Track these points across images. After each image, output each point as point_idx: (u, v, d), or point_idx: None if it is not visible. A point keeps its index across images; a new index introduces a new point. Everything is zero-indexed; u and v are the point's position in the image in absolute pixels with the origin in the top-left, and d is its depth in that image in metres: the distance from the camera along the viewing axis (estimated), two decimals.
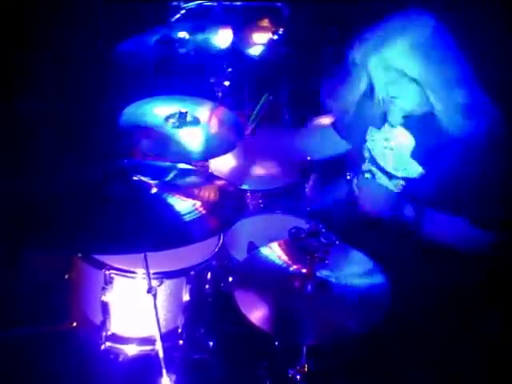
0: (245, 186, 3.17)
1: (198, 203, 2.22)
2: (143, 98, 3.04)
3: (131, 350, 2.58)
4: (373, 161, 2.75)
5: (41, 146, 3.65)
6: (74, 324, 2.74)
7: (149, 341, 2.53)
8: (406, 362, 2.56)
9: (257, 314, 2.17)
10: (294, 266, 2.33)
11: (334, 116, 3.01)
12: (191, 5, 3.30)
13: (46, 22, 3.75)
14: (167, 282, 2.52)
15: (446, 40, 2.46)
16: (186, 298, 2.56)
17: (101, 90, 3.82)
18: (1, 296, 3.05)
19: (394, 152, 2.66)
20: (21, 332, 2.91)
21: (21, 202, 2.15)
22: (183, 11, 3.21)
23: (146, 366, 2.50)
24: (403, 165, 2.62)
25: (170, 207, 2.18)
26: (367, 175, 2.78)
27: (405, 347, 2.55)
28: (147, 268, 2.25)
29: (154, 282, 2.33)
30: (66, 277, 2.72)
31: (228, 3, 3.66)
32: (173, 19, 3.17)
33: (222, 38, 3.23)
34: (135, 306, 2.53)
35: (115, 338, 2.57)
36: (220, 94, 3.15)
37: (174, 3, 3.27)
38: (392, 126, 2.64)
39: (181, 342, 2.61)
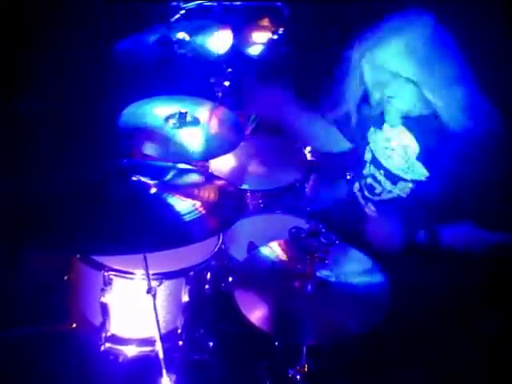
0: (245, 186, 3.17)
1: (198, 203, 2.22)
2: (143, 98, 3.04)
3: (131, 350, 2.58)
4: (376, 163, 2.75)
5: (41, 146, 3.64)
6: (74, 325, 2.74)
7: (148, 342, 2.53)
8: (405, 361, 2.56)
9: (257, 314, 2.17)
10: (294, 266, 2.33)
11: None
12: (191, 5, 3.29)
13: (45, 22, 3.74)
14: (167, 283, 2.51)
15: (446, 39, 2.46)
16: (186, 298, 2.56)
17: (101, 89, 3.81)
18: (1, 296, 3.04)
19: (396, 152, 2.66)
20: (21, 332, 2.91)
21: (21, 202, 2.15)
22: (183, 11, 3.21)
23: (146, 366, 2.50)
24: (410, 167, 2.62)
25: (169, 207, 2.18)
26: (369, 180, 2.78)
27: (405, 347, 2.55)
28: (146, 269, 2.25)
29: (154, 283, 2.32)
30: (66, 278, 2.72)
31: (228, 3, 3.66)
32: (172, 19, 3.17)
33: (221, 41, 3.22)
34: (135, 306, 2.53)
35: (115, 339, 2.57)
36: (220, 94, 3.14)
37: (174, 3, 3.26)
38: (392, 126, 2.64)
39: (180, 342, 2.61)
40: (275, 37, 3.42)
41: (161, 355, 2.28)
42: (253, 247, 2.64)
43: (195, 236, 2.15)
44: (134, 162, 2.63)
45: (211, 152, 2.90)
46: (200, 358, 2.71)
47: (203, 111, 3.01)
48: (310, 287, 2.23)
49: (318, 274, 2.25)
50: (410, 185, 2.64)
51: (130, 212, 2.12)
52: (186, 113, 2.90)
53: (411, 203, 2.64)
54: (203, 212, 2.19)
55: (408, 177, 2.64)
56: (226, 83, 3.16)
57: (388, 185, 2.70)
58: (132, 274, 2.48)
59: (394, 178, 2.68)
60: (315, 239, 2.22)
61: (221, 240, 2.70)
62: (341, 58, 2.61)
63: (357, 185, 2.86)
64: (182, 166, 2.55)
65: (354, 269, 2.35)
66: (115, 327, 2.56)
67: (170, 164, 2.54)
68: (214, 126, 2.96)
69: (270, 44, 3.48)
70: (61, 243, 2.03)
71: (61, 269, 2.74)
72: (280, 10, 3.61)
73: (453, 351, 2.57)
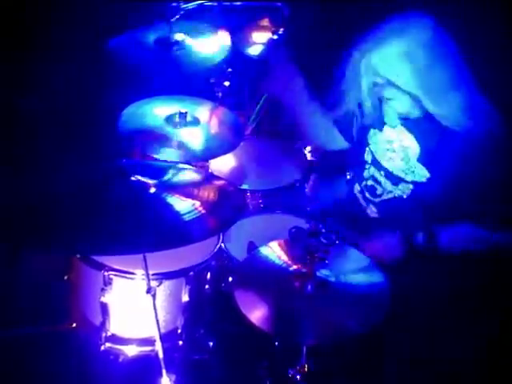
0: (245, 186, 3.17)
1: (198, 203, 2.22)
2: (143, 98, 3.04)
3: (131, 350, 2.58)
4: (377, 164, 2.74)
5: (41, 146, 3.64)
6: (74, 325, 2.74)
7: (148, 341, 2.53)
8: (405, 361, 2.56)
9: (257, 314, 2.17)
10: (294, 266, 2.33)
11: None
12: (191, 5, 3.29)
13: (45, 22, 3.74)
14: (166, 283, 2.51)
15: (446, 41, 2.45)
16: (186, 298, 2.56)
17: (101, 89, 3.81)
18: (1, 296, 3.04)
19: (397, 154, 2.66)
20: (21, 332, 2.91)
21: (21, 202, 2.15)
22: (182, 12, 3.20)
23: (146, 366, 2.50)
24: (411, 168, 2.62)
25: (169, 207, 2.18)
26: (370, 182, 2.78)
27: (405, 347, 2.55)
28: (146, 269, 2.25)
29: (153, 283, 2.32)
30: (66, 278, 2.72)
31: (228, 3, 3.65)
32: (172, 19, 3.16)
33: (218, 46, 3.22)
34: (135, 306, 2.53)
35: (115, 339, 2.57)
36: (220, 94, 3.14)
37: (174, 3, 3.26)
38: (392, 126, 2.64)
39: (180, 342, 2.61)
40: (275, 37, 3.42)
41: (161, 355, 2.28)
42: (253, 247, 2.64)
43: (195, 236, 2.15)
44: (133, 162, 2.63)
45: (211, 152, 2.90)
46: (200, 357, 2.71)
47: (203, 111, 3.01)
48: (310, 287, 2.23)
49: (318, 273, 2.26)
50: (411, 186, 2.64)
51: (129, 212, 2.12)
52: (186, 113, 2.90)
53: (411, 204, 2.64)
54: (203, 212, 2.19)
55: (408, 178, 2.64)
56: (226, 83, 3.16)
57: (389, 185, 2.70)
58: (132, 273, 2.48)
59: (394, 179, 2.68)
60: (315, 239, 2.22)
61: (221, 240, 2.70)
62: (341, 58, 2.61)
63: (357, 186, 2.85)
64: (181, 165, 2.55)
65: (354, 269, 2.35)
66: (115, 327, 2.57)
67: (169, 164, 2.54)
68: (214, 126, 2.97)
69: (270, 44, 3.47)
70: (61, 243, 2.03)
71: (61, 269, 2.75)
72: (280, 10, 3.61)
73: (453, 351, 2.57)
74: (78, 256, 2.57)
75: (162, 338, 2.29)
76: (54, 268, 2.84)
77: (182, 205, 2.19)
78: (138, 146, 2.90)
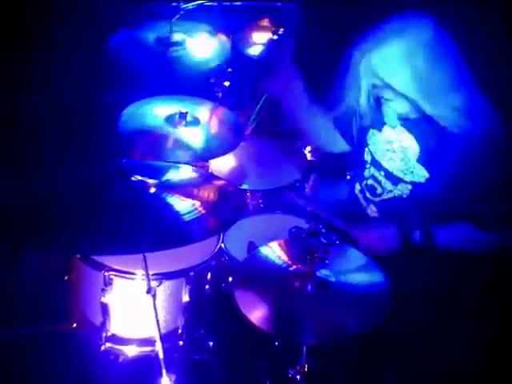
0: (245, 186, 3.17)
1: (198, 203, 2.22)
2: (143, 98, 3.04)
3: (131, 350, 2.58)
4: (377, 164, 2.74)
5: (41, 146, 3.65)
6: (74, 325, 2.74)
7: (149, 342, 2.53)
8: (405, 361, 2.56)
9: (257, 314, 2.17)
10: (294, 266, 2.33)
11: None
12: (191, 5, 3.29)
13: (45, 22, 3.74)
14: (167, 283, 2.51)
15: (446, 42, 2.45)
16: (186, 298, 2.56)
17: (101, 89, 3.81)
18: (1, 296, 3.04)
19: (397, 154, 2.66)
20: (21, 332, 2.91)
21: (21, 202, 2.15)
22: (182, 12, 3.21)
23: (146, 366, 2.50)
24: (410, 169, 2.62)
25: (169, 207, 2.18)
26: (370, 181, 2.78)
27: (405, 347, 2.55)
28: (146, 269, 2.25)
29: (154, 283, 2.33)
30: (66, 278, 2.72)
31: (228, 3, 3.66)
32: (173, 19, 3.17)
33: (217, 49, 3.23)
34: (135, 307, 2.53)
35: (115, 339, 2.57)
36: (220, 94, 3.15)
37: (174, 3, 3.26)
38: (391, 126, 2.64)
39: (181, 342, 2.61)
40: (275, 37, 3.42)
41: (161, 355, 2.28)
42: (253, 247, 2.64)
43: (195, 236, 2.15)
44: (133, 162, 2.64)
45: (211, 152, 2.90)
46: (200, 357, 2.71)
47: (203, 111, 3.01)
48: (310, 287, 2.23)
49: (318, 273, 2.25)
50: (410, 186, 2.64)
51: (129, 212, 2.12)
52: (186, 113, 2.90)
53: (410, 204, 2.64)
54: (203, 212, 2.19)
55: (407, 178, 2.64)
56: (226, 83, 3.16)
57: (388, 185, 2.70)
58: (132, 274, 2.48)
59: (394, 179, 2.68)
60: (315, 239, 2.22)
61: (221, 240, 2.70)
62: (341, 58, 2.61)
63: (358, 186, 2.85)
64: (181, 165, 2.55)
65: (354, 269, 2.35)
66: (115, 327, 2.56)
67: (169, 164, 2.54)
68: (214, 126, 2.97)
69: (270, 44, 3.47)
70: (61, 243, 2.03)
71: (61, 269, 2.75)
72: (280, 10, 3.61)
73: (453, 351, 2.57)
74: (78, 256, 2.57)
75: (162, 338, 2.29)
76: (54, 268, 2.84)
77: (182, 205, 2.20)
78: (138, 146, 2.91)
